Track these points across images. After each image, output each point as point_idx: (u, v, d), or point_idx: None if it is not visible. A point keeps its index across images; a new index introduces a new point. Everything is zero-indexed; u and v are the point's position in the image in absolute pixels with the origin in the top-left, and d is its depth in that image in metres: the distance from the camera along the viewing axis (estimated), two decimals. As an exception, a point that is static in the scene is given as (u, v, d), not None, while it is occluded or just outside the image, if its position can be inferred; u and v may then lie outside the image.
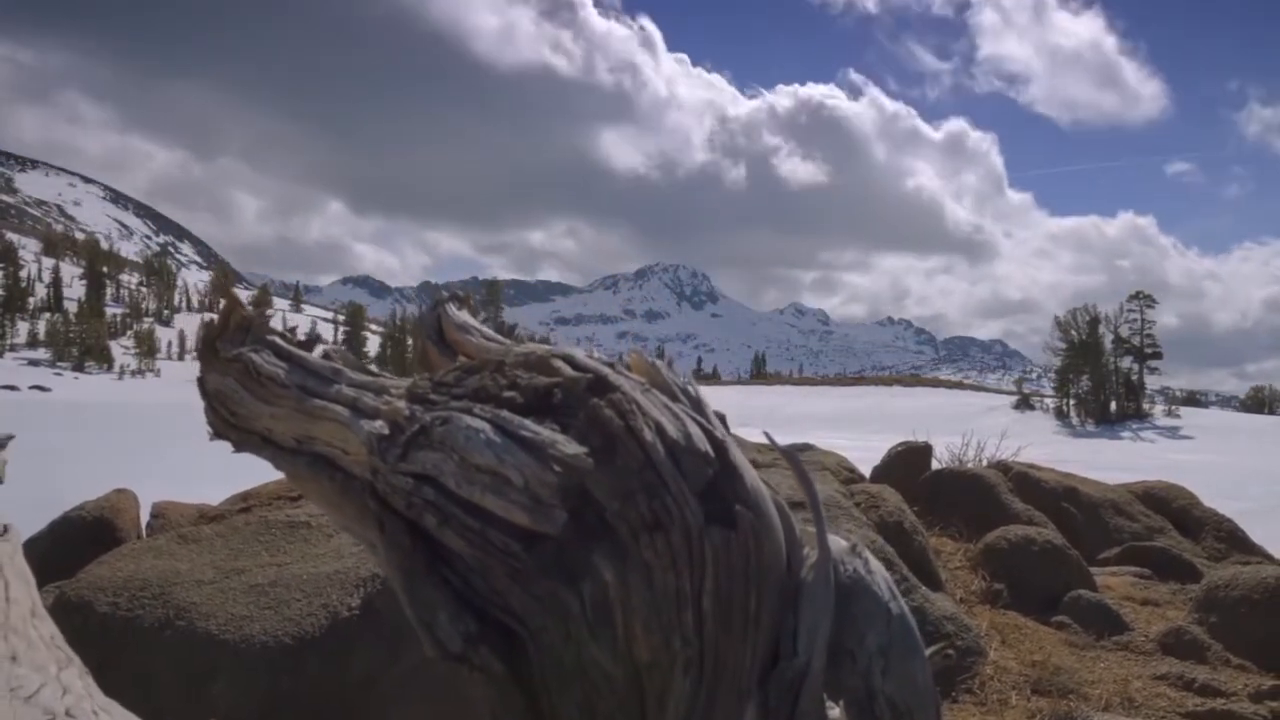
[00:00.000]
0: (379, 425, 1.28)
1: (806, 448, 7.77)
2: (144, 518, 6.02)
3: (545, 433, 1.12)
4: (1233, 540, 6.90)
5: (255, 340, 1.67)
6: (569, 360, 1.37)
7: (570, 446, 1.09)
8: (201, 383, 1.72)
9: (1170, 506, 7.28)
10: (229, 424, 1.65)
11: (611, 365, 1.35)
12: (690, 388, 1.30)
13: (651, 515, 1.10)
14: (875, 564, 1.30)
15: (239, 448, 1.66)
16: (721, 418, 4.95)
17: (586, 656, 1.12)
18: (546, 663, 1.13)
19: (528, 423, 1.15)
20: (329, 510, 1.49)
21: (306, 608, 4.02)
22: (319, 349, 1.75)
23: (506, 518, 1.10)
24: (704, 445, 1.17)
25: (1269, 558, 6.71)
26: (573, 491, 1.10)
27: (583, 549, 1.10)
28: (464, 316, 1.88)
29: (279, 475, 2.08)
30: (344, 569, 4.23)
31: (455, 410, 1.21)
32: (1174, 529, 7.00)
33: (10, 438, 2.53)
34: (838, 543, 1.31)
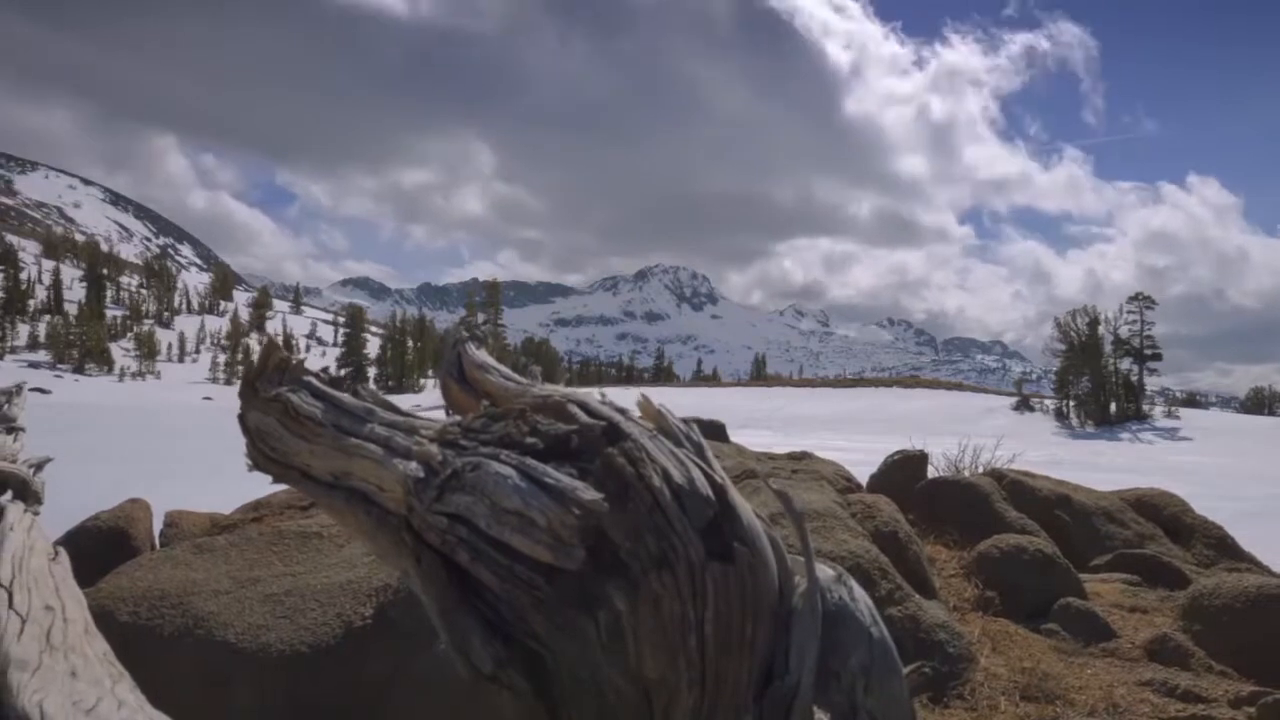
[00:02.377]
0: (414, 467, 1.43)
1: (805, 456, 7.92)
2: (156, 525, 6.14)
3: (566, 480, 1.27)
4: (1222, 547, 7.04)
5: (292, 380, 1.82)
6: (583, 406, 1.52)
7: (588, 493, 1.24)
8: (243, 420, 1.86)
9: (1162, 514, 7.43)
10: (270, 459, 1.79)
11: (623, 411, 1.50)
12: (693, 434, 1.45)
13: (659, 552, 1.25)
14: (859, 591, 1.45)
15: (278, 480, 1.80)
16: (721, 427, 5.11)
17: (602, 676, 1.27)
18: (567, 681, 1.28)
19: (550, 470, 1.30)
20: (364, 540, 1.63)
21: (321, 617, 4.17)
22: (348, 386, 1.90)
23: (532, 555, 1.25)
24: (705, 489, 1.31)
25: (1257, 564, 6.86)
26: (590, 531, 1.24)
27: (599, 582, 1.25)
28: (483, 356, 2.02)
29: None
30: (356, 579, 4.37)
31: (484, 456, 1.36)
32: (1165, 536, 7.14)
33: (48, 460, 2.64)
34: (825, 572, 1.45)
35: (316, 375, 1.86)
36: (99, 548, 5.49)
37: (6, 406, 2.81)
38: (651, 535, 1.25)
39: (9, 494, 2.39)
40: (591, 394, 1.62)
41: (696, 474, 1.34)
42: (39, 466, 2.67)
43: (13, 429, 2.82)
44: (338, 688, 3.92)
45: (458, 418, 1.62)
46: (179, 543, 5.29)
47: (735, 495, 1.36)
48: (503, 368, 1.98)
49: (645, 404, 1.52)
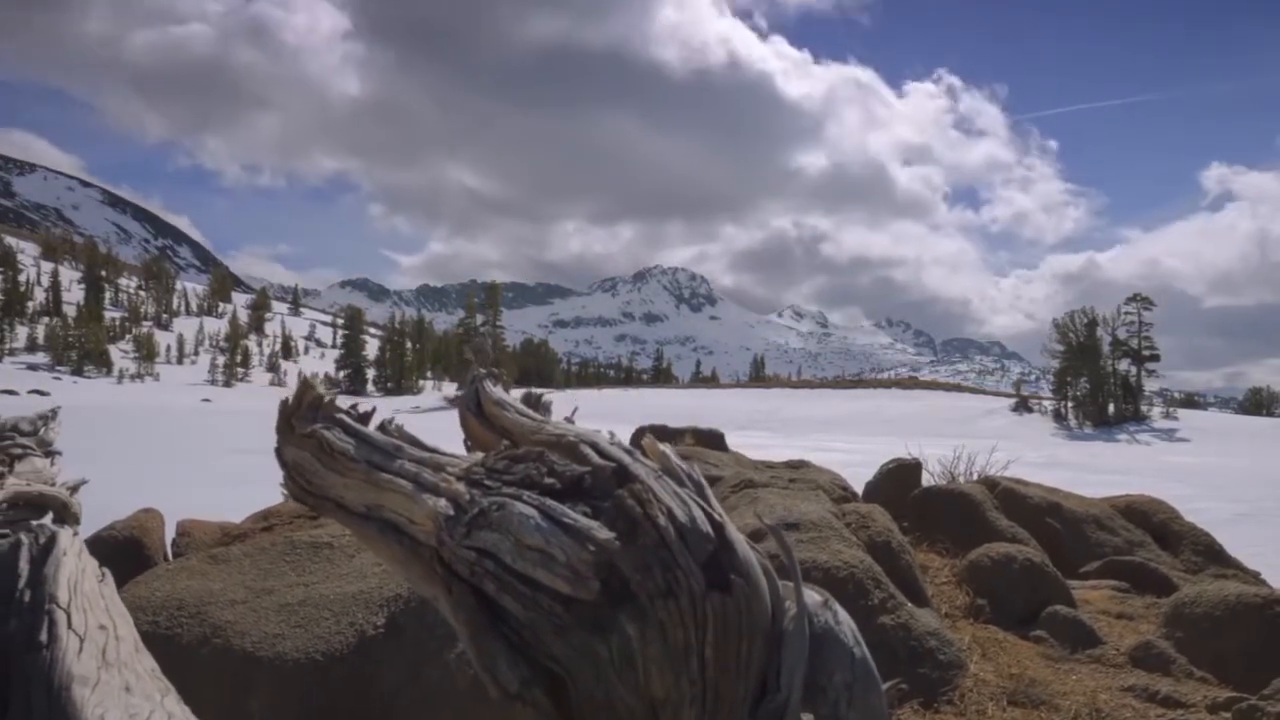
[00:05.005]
0: (444, 505, 1.59)
1: (802, 464, 8.09)
2: (167, 535, 6.29)
3: (583, 520, 1.43)
4: (1210, 553, 7.22)
5: (325, 418, 1.98)
6: (594, 447, 1.68)
7: (603, 532, 1.40)
8: (280, 454, 2.02)
9: (1151, 520, 7.60)
10: (306, 491, 1.95)
11: (630, 452, 1.66)
12: (694, 474, 1.61)
13: (665, 584, 1.41)
14: (843, 615, 1.61)
15: (314, 511, 1.96)
16: (719, 436, 5.30)
17: (615, 694, 1.43)
18: (583, 699, 1.44)
19: (568, 510, 1.46)
20: (395, 568, 1.80)
21: (335, 626, 4.32)
22: (375, 422, 2.06)
23: (552, 586, 1.41)
24: (706, 527, 1.48)
25: (1243, 570, 7.03)
26: (604, 565, 1.41)
27: (611, 610, 1.41)
28: (500, 393, 2.19)
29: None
30: (368, 589, 4.53)
31: (508, 496, 1.53)
32: (1154, 542, 7.32)
33: (83, 482, 2.76)
34: (812, 597, 1.61)
35: (348, 413, 2.02)
36: (115, 558, 5.63)
37: (43, 431, 2.97)
38: (658, 568, 1.41)
39: (49, 515, 2.54)
40: (600, 434, 1.79)
41: (698, 513, 1.50)
42: (75, 489, 2.82)
43: (50, 453, 2.98)
44: (351, 695, 4.08)
45: (480, 455, 1.78)
46: (193, 553, 5.45)
47: (732, 531, 1.52)
48: (518, 404, 2.14)
49: (650, 444, 1.69)
